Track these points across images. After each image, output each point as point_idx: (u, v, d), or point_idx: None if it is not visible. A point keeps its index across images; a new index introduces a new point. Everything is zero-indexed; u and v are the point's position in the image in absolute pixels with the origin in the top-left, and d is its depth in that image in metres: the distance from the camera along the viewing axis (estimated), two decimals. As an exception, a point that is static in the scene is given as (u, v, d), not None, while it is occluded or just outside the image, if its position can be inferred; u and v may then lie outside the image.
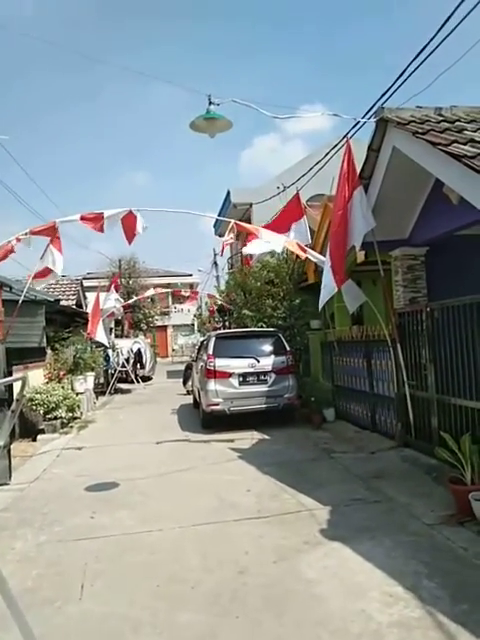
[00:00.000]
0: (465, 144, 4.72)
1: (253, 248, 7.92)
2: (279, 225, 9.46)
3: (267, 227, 9.12)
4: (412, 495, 5.11)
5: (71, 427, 10.20)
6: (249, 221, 20.11)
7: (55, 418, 9.86)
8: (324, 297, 7.24)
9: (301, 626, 2.99)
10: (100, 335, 14.02)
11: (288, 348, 9.72)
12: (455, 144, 4.72)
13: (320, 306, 7.58)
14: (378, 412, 8.04)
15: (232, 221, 8.07)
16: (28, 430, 9.65)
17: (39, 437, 9.40)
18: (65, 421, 10.13)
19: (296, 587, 3.46)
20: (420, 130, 5.20)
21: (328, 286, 7.07)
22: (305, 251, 7.88)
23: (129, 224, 7.40)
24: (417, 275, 7.16)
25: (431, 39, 6.05)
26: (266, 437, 8.57)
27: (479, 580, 3.39)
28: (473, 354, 5.38)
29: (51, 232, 7.32)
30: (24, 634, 2.41)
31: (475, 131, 5.21)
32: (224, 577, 3.65)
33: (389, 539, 4.10)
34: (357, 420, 8.83)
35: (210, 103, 6.61)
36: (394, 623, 2.94)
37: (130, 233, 7.45)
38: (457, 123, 5.53)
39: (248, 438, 8.51)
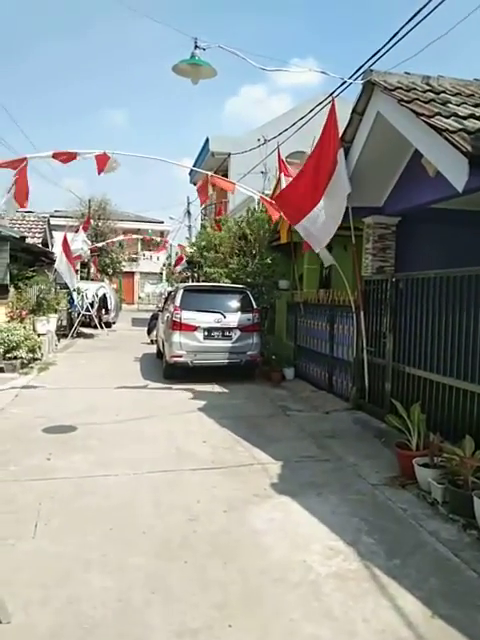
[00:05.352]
0: (448, 118, 4.71)
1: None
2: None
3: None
4: (360, 456, 5.36)
5: (31, 368, 10.12)
6: (226, 172, 19.70)
7: (15, 358, 9.77)
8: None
9: (244, 573, 3.16)
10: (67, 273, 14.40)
11: (255, 306, 9.78)
12: (438, 117, 4.69)
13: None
14: (335, 374, 8.28)
15: (208, 173, 7.91)
16: (-14, 368, 9.54)
17: (-2, 376, 9.31)
18: (25, 361, 10.03)
19: (243, 537, 3.63)
20: (406, 98, 5.12)
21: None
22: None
23: (102, 160, 7.52)
24: (387, 245, 7.23)
25: (426, 3, 5.86)
26: (226, 391, 8.73)
27: (413, 538, 3.65)
28: (430, 326, 5.56)
29: (18, 164, 7.02)
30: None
31: (459, 105, 5.19)
32: (175, 524, 3.80)
33: (335, 496, 4.33)
34: (315, 380, 9.08)
35: (196, 47, 6.32)
36: (332, 574, 3.15)
37: (102, 166, 7.58)
38: (442, 95, 5.48)
39: (208, 391, 8.65)
